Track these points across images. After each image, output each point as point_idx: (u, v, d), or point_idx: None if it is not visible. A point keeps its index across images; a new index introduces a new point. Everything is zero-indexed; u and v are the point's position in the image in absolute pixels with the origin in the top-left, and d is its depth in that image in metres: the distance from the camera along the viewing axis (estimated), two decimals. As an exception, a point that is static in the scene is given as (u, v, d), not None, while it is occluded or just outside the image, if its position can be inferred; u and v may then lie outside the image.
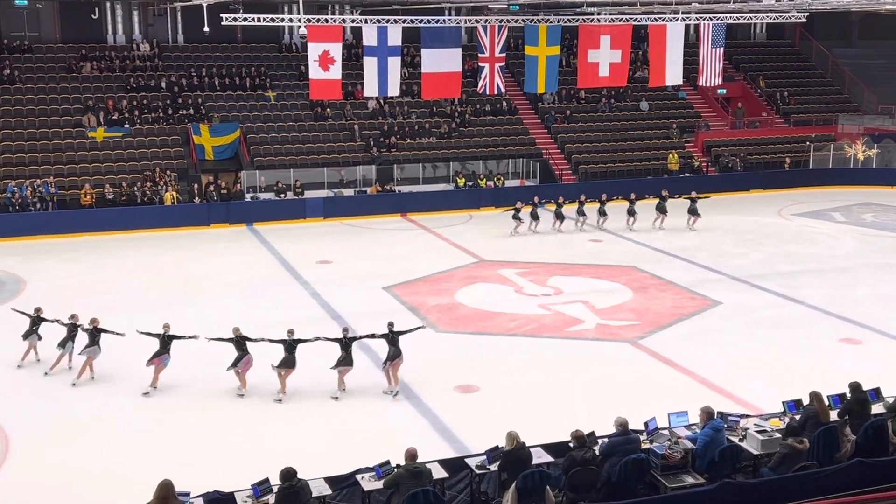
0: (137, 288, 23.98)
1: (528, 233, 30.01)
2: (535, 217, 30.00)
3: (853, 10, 26.30)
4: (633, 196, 31.16)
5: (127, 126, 34.70)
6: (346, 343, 16.31)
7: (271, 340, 16.44)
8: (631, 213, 30.88)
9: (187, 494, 10.30)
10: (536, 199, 30.35)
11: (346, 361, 16.24)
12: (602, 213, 30.91)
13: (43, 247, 28.71)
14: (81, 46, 37.29)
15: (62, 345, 17.44)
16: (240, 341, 16.39)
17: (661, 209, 30.74)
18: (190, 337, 17.11)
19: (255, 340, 16.47)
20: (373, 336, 16.86)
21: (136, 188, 32.02)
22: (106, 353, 18.13)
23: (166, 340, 16.65)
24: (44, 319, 17.90)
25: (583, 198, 30.99)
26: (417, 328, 17.59)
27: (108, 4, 37.76)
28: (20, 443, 14.65)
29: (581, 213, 30.70)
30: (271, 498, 10.35)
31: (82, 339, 17.48)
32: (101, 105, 35.21)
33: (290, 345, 16.28)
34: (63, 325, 17.50)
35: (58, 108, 34.87)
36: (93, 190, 31.64)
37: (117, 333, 17.26)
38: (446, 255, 27.68)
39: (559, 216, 30.37)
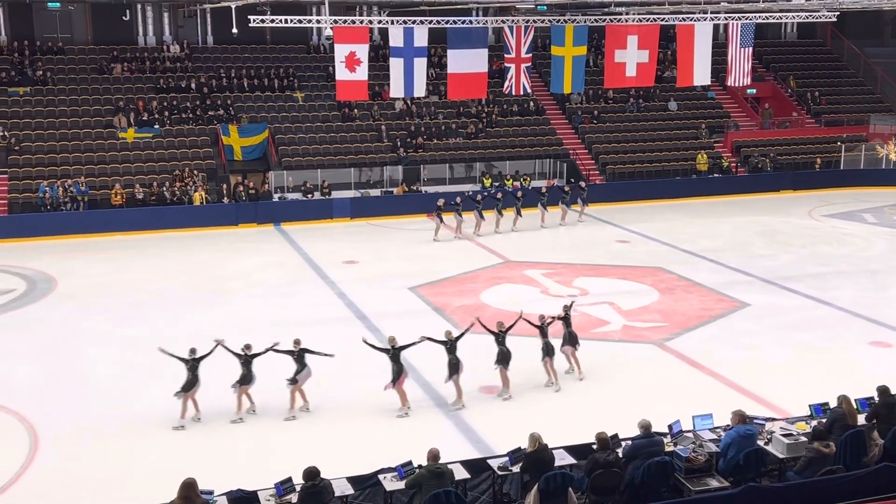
0: (167, 287, 24.18)
1: (451, 238, 29.50)
2: (458, 214, 29.68)
3: (885, 8, 25.92)
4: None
5: (157, 127, 35.00)
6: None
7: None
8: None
9: (211, 493, 10.34)
10: (458, 200, 29.85)
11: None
12: (565, 202, 31.73)
13: (74, 246, 29.03)
14: (112, 48, 37.66)
15: (245, 381, 15.41)
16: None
17: (565, 202, 31.76)
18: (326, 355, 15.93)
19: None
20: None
21: (165, 188, 32.28)
22: (140, 358, 18.37)
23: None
24: (201, 359, 15.38)
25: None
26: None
27: (138, 6, 38.10)
28: (47, 442, 14.80)
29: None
30: (294, 497, 10.38)
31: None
32: (131, 106, 35.54)
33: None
34: (235, 355, 15.50)
35: (89, 109, 35.23)
36: (123, 190, 31.92)
37: (326, 355, 15.89)
38: (472, 255, 27.66)
39: (480, 215, 30.28)
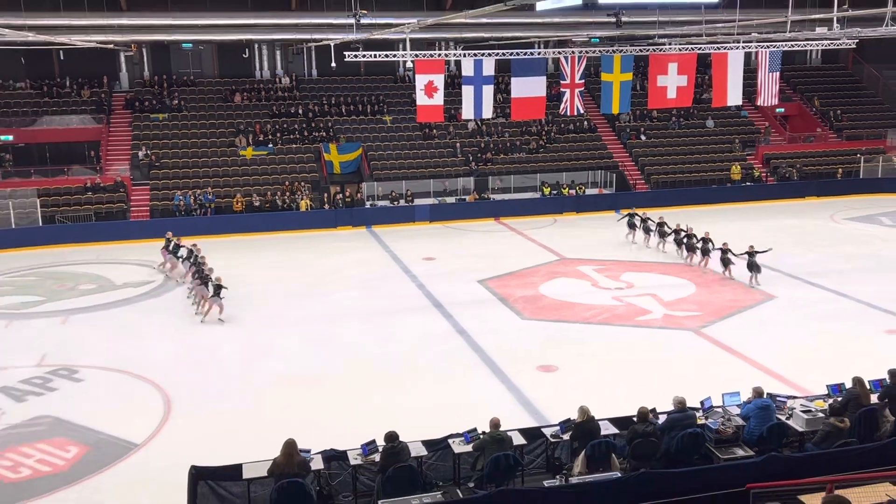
0: (280, 279, 24.55)
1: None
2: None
3: (901, 35, 24.84)
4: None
5: (271, 146, 35.62)
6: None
7: None
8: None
9: (308, 451, 10.45)
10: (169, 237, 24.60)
11: None
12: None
13: (203, 246, 29.44)
14: (234, 80, 38.50)
15: None
16: None
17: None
18: None
19: None
20: None
21: (277, 197, 32.85)
22: (256, 337, 18.69)
23: None
24: None
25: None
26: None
27: (256, 46, 38.87)
28: (179, 406, 15.19)
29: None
30: (377, 456, 10.43)
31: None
32: (250, 129, 36.25)
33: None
34: None
35: (215, 132, 36.05)
36: (243, 198, 32.57)
37: None
38: (533, 253, 27.45)
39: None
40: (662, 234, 26.97)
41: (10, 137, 33.78)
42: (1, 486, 12.33)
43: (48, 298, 22.75)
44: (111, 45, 31.80)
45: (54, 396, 15.60)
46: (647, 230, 27.96)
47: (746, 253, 22.49)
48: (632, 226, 28.60)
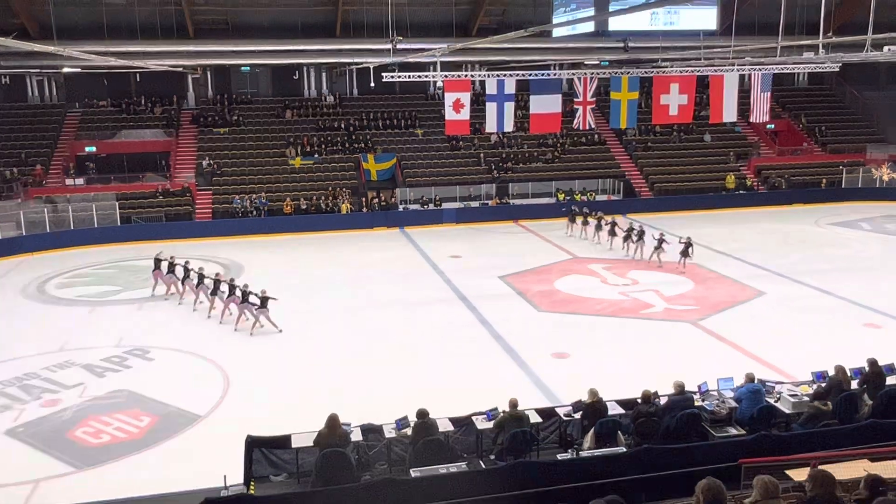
0: (322, 273, 24.70)
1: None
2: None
3: (880, 60, 24.36)
4: None
5: (316, 156, 35.80)
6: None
7: None
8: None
9: (349, 424, 10.49)
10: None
11: None
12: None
13: (257, 243, 29.98)
14: (286, 98, 38.73)
15: None
16: None
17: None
18: None
19: None
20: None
21: (322, 201, 33.01)
22: (300, 323, 18.75)
23: None
24: None
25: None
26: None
27: (305, 68, 39.06)
28: (236, 380, 15.35)
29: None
30: (409, 430, 10.44)
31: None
32: (298, 141, 36.45)
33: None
34: None
35: (269, 143, 36.28)
36: (292, 202, 32.79)
37: None
38: (548, 252, 27.33)
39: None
40: (599, 227, 28.05)
41: (94, 148, 34.38)
42: (84, 449, 12.55)
43: (125, 288, 23.10)
44: (180, 68, 32.17)
45: (130, 373, 15.85)
46: (585, 223, 29.16)
47: (683, 242, 23.81)
48: (572, 220, 30.01)
